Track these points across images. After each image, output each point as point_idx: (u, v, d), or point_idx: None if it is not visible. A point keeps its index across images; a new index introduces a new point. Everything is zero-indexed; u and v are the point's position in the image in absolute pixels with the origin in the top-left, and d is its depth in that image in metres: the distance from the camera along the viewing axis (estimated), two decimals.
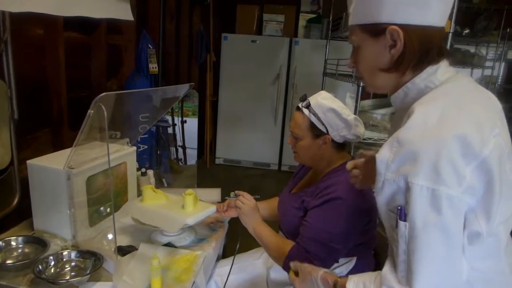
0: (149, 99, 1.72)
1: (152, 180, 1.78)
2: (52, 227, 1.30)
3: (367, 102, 2.82)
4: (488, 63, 3.40)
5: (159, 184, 1.92)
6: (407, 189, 0.68)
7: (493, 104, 0.80)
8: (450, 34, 1.89)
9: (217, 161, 4.66)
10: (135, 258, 1.23)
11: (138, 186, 1.66)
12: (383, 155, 0.72)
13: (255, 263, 1.48)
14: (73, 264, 1.19)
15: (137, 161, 1.62)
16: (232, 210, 1.37)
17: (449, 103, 0.73)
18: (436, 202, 0.66)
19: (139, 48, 2.80)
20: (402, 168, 0.69)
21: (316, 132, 1.23)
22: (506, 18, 2.95)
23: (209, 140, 4.57)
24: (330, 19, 3.52)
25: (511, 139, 0.76)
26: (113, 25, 2.46)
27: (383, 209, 0.76)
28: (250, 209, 1.31)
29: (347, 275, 1.23)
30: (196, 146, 4.07)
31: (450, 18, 1.81)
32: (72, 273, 1.16)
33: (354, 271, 1.24)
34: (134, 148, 1.57)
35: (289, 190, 1.43)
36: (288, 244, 1.22)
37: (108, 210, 1.43)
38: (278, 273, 1.32)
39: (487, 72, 3.14)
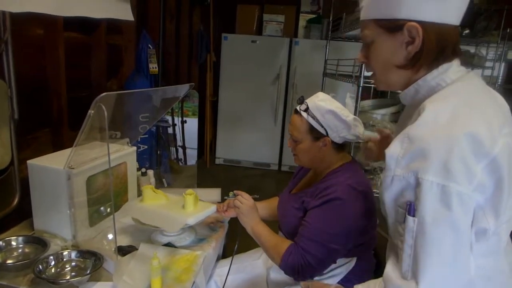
0: (149, 99, 1.72)
1: (152, 180, 1.78)
2: (52, 227, 1.30)
3: (367, 103, 2.82)
4: (488, 63, 3.39)
5: (159, 184, 1.92)
6: (417, 185, 0.68)
7: (502, 104, 0.81)
8: None
9: (217, 161, 4.66)
10: (135, 258, 1.23)
11: (138, 186, 1.66)
12: (393, 151, 0.72)
13: (254, 263, 1.48)
14: (73, 264, 1.19)
15: (137, 161, 1.62)
16: (232, 210, 1.37)
17: (460, 102, 0.73)
18: (446, 198, 0.66)
19: (139, 48, 2.80)
20: (413, 164, 0.69)
21: (316, 134, 1.22)
22: (506, 19, 2.95)
23: (209, 140, 4.57)
24: (330, 19, 3.52)
25: None
26: (113, 25, 2.46)
27: (390, 204, 0.76)
28: (248, 208, 1.31)
29: (347, 275, 1.24)
30: (196, 146, 4.07)
31: None
32: (72, 273, 1.16)
33: (354, 271, 1.24)
34: (134, 148, 1.57)
35: (289, 190, 1.43)
36: (286, 243, 1.22)
37: (108, 210, 1.43)
38: (278, 273, 1.32)
39: (487, 72, 3.14)
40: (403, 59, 0.81)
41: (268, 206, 1.55)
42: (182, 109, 3.90)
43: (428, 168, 0.67)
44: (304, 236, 1.17)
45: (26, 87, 1.64)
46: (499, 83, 3.58)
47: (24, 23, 1.66)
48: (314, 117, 1.20)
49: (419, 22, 0.75)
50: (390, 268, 0.77)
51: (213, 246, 1.38)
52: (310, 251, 1.14)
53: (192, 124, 4.02)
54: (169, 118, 3.61)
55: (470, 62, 2.86)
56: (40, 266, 1.11)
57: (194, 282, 1.16)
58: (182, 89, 1.69)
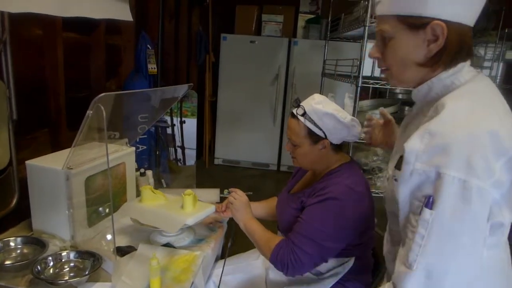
0: (148, 100, 1.72)
1: (151, 180, 1.78)
2: (51, 228, 1.30)
3: (366, 103, 2.83)
4: (486, 63, 3.40)
5: (158, 185, 1.92)
6: (438, 179, 0.70)
7: (507, 105, 0.83)
8: None
9: (216, 162, 4.66)
10: (134, 258, 1.23)
11: (137, 186, 1.66)
12: (413, 146, 0.73)
13: (253, 263, 1.48)
14: (72, 264, 1.19)
15: (136, 161, 1.62)
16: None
17: (478, 101, 0.76)
18: (466, 193, 0.68)
19: (138, 48, 2.80)
20: (434, 159, 0.71)
21: (314, 138, 1.22)
22: (504, 19, 2.96)
23: (208, 140, 4.57)
24: (329, 19, 3.53)
25: None
26: (112, 26, 2.46)
27: (405, 197, 0.77)
28: (241, 204, 1.33)
29: (346, 274, 1.24)
30: (195, 147, 4.06)
31: None
32: (71, 274, 1.16)
33: (352, 270, 1.24)
34: (133, 148, 1.57)
35: (287, 190, 1.43)
36: (277, 239, 1.22)
37: (107, 210, 1.43)
38: (276, 274, 1.32)
39: (486, 72, 3.15)
40: (423, 57, 0.82)
41: (267, 206, 1.55)
42: (181, 110, 3.90)
43: (450, 163, 0.69)
44: (297, 232, 1.17)
45: (25, 88, 1.64)
46: (497, 83, 3.60)
47: (23, 24, 1.66)
48: (311, 121, 1.19)
49: (444, 21, 0.76)
50: (399, 263, 0.78)
51: (212, 247, 1.38)
52: (301, 247, 1.14)
53: (191, 124, 4.01)
54: (168, 118, 3.60)
55: None
56: (39, 267, 1.11)
57: (193, 283, 1.16)
58: (181, 90, 1.69)
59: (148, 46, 2.82)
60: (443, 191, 0.69)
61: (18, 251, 1.24)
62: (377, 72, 4.01)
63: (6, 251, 1.23)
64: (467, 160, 0.68)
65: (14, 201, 1.53)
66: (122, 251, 1.27)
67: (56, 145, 1.89)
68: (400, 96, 3.69)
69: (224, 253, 1.40)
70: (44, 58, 1.85)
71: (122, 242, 1.35)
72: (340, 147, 1.28)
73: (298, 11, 4.59)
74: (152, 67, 2.85)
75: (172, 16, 3.59)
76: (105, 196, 1.40)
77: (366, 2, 2.06)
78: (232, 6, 4.48)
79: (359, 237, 1.20)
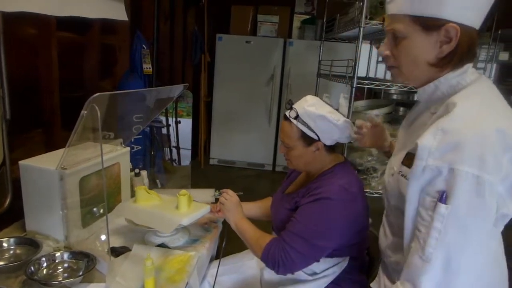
0: (143, 100, 1.72)
1: (146, 180, 1.77)
2: (45, 228, 1.29)
3: (361, 103, 2.84)
4: (480, 64, 3.43)
5: (152, 185, 1.91)
6: (451, 175, 0.73)
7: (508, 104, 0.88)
8: None
9: (211, 162, 4.65)
10: (129, 259, 1.22)
11: (132, 187, 1.65)
12: (426, 142, 0.77)
13: (248, 263, 1.48)
14: (65, 265, 1.18)
15: (130, 161, 1.61)
16: None
17: (485, 101, 0.81)
18: (480, 188, 0.72)
19: (133, 48, 2.79)
20: (446, 155, 0.74)
21: (308, 140, 1.22)
22: (497, 20, 2.99)
23: (203, 140, 4.56)
24: (324, 20, 3.54)
25: None
26: (107, 25, 2.45)
27: (414, 192, 0.80)
28: (232, 204, 1.33)
29: (340, 274, 1.24)
30: (190, 147, 4.07)
31: None
32: (65, 275, 1.15)
33: (347, 270, 1.24)
34: (128, 148, 1.56)
35: (282, 191, 1.43)
36: (268, 237, 1.23)
37: (101, 211, 1.43)
38: (271, 274, 1.32)
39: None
40: (434, 57, 0.85)
41: (261, 206, 1.56)
42: (176, 110, 3.89)
43: (463, 159, 0.72)
44: (288, 230, 1.18)
45: (19, 87, 1.63)
46: None
47: (17, 23, 1.65)
48: (304, 124, 1.19)
49: (458, 24, 0.80)
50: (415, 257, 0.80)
51: (207, 247, 1.38)
52: (292, 245, 1.15)
53: (186, 124, 4.02)
54: (163, 118, 3.60)
55: None
56: (32, 268, 1.10)
57: (187, 283, 1.16)
58: (176, 90, 1.69)
59: (143, 46, 2.82)
60: (458, 186, 0.72)
61: (11, 252, 1.23)
62: (372, 73, 4.03)
63: None
64: (479, 156, 0.72)
65: (7, 201, 1.52)
66: (116, 252, 1.27)
67: (50, 145, 1.88)
68: (394, 97, 3.71)
69: (219, 254, 1.40)
70: (38, 57, 1.84)
71: (117, 242, 1.35)
72: (333, 148, 1.28)
73: (294, 11, 4.59)
74: (147, 67, 2.84)
75: (167, 16, 3.59)
76: (99, 197, 1.39)
77: (361, 3, 2.07)
78: (228, 6, 4.47)
79: (353, 237, 1.20)
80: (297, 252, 1.14)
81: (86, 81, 2.32)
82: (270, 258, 1.17)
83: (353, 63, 2.17)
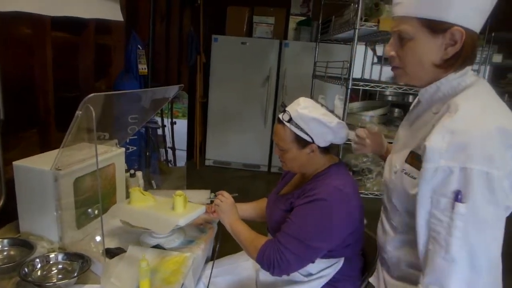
0: (138, 100, 1.71)
1: (141, 181, 1.77)
2: (39, 229, 1.28)
3: (356, 104, 2.85)
4: (474, 66, 3.45)
5: (148, 186, 1.91)
6: (464, 174, 0.77)
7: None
8: None
9: (207, 163, 4.65)
10: (124, 260, 1.22)
11: (127, 187, 1.64)
12: (435, 144, 0.80)
13: (243, 264, 1.48)
14: (60, 266, 1.17)
15: (126, 162, 1.60)
16: None
17: (485, 101, 0.86)
18: (491, 183, 0.76)
19: (128, 48, 2.78)
20: (457, 155, 0.77)
21: (302, 143, 1.22)
22: (491, 23, 3.01)
23: (199, 141, 4.56)
24: (320, 21, 3.55)
25: None
26: (102, 25, 2.44)
27: (425, 194, 0.82)
28: (227, 206, 1.33)
29: (335, 275, 1.25)
30: (185, 148, 4.05)
31: None
32: (59, 276, 1.15)
33: (342, 271, 1.25)
34: (123, 149, 1.56)
35: (277, 192, 1.44)
36: (263, 239, 1.23)
37: (96, 212, 1.42)
38: (267, 275, 1.32)
39: None
40: (439, 59, 0.88)
41: (257, 207, 1.56)
42: (172, 110, 3.88)
43: (473, 158, 0.76)
44: (284, 232, 1.18)
45: (13, 87, 1.62)
46: None
47: (11, 22, 1.64)
48: (298, 127, 1.19)
49: (463, 27, 0.83)
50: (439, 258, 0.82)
51: (202, 248, 1.38)
52: (288, 247, 1.15)
53: (181, 125, 4.00)
54: (158, 119, 3.59)
55: None
56: (26, 269, 1.10)
57: (183, 284, 1.16)
58: (172, 90, 1.69)
59: (139, 46, 2.81)
60: (473, 185, 0.76)
61: (5, 253, 1.22)
62: (367, 74, 4.05)
63: None
64: (487, 154, 0.76)
65: (1, 202, 1.51)
66: (111, 253, 1.26)
67: (45, 145, 1.87)
68: (389, 98, 3.73)
69: (213, 255, 1.40)
70: (33, 57, 1.83)
71: (112, 243, 1.34)
72: (328, 149, 1.28)
73: (289, 13, 4.61)
74: (143, 68, 2.84)
75: (163, 17, 3.58)
76: (94, 198, 1.39)
77: (356, 5, 2.08)
78: (223, 7, 4.47)
79: (348, 237, 1.21)
80: (292, 254, 1.14)
81: (81, 81, 2.31)
82: (266, 260, 1.17)
83: (348, 64, 2.18)
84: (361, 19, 2.09)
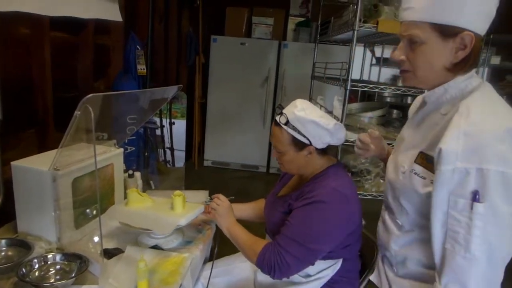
0: (137, 101, 1.71)
1: (140, 182, 1.76)
2: (37, 230, 1.28)
3: (355, 106, 2.85)
4: None
5: (146, 186, 1.91)
6: (480, 174, 0.80)
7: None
8: None
9: (206, 163, 4.64)
10: (122, 260, 1.21)
11: (125, 188, 1.64)
12: (451, 146, 0.83)
13: (242, 265, 1.47)
14: (58, 267, 1.17)
15: (124, 162, 1.60)
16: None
17: (493, 103, 0.89)
18: (507, 182, 0.79)
19: (127, 49, 2.78)
20: (473, 157, 0.80)
21: (299, 145, 1.21)
22: (489, 25, 3.02)
23: (197, 142, 4.56)
24: (319, 23, 3.56)
25: None
26: (100, 25, 2.44)
27: (442, 196, 0.85)
28: (224, 209, 1.33)
29: (333, 276, 1.25)
30: (184, 148, 4.05)
31: None
32: (57, 276, 1.14)
33: (340, 272, 1.25)
34: (121, 149, 1.56)
35: (275, 193, 1.43)
36: (262, 242, 1.22)
37: (94, 212, 1.42)
38: (265, 276, 1.32)
39: None
40: (449, 63, 0.91)
41: (255, 207, 1.56)
42: (171, 111, 3.88)
43: (488, 159, 0.79)
44: (283, 234, 1.18)
45: (11, 87, 1.62)
46: None
47: (10, 22, 1.64)
48: (295, 129, 1.18)
49: (473, 32, 0.86)
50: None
51: (201, 249, 1.38)
52: (288, 250, 1.15)
53: (180, 125, 4.00)
54: (157, 119, 3.58)
55: None
56: (24, 269, 1.09)
57: (181, 285, 1.16)
58: (171, 91, 1.68)
59: (138, 46, 2.81)
60: (490, 185, 0.79)
61: (3, 253, 1.22)
62: (365, 76, 4.05)
63: None
64: (502, 154, 0.79)
65: None
66: (109, 253, 1.26)
67: (43, 145, 1.87)
68: (388, 99, 3.73)
69: (212, 256, 1.40)
70: (31, 57, 1.83)
71: (110, 244, 1.34)
72: (325, 151, 1.28)
73: (288, 14, 4.61)
74: (141, 68, 2.84)
75: (162, 17, 3.58)
76: (92, 198, 1.38)
77: (355, 7, 2.08)
78: (223, 7, 4.48)
79: (346, 239, 1.21)
80: (293, 256, 1.14)
81: (79, 81, 2.31)
82: (266, 263, 1.17)
83: (347, 65, 2.18)
84: (360, 20, 2.09)
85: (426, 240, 0.96)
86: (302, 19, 4.55)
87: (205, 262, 1.50)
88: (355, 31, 2.10)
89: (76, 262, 1.16)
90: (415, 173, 0.96)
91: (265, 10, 4.43)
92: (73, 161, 1.29)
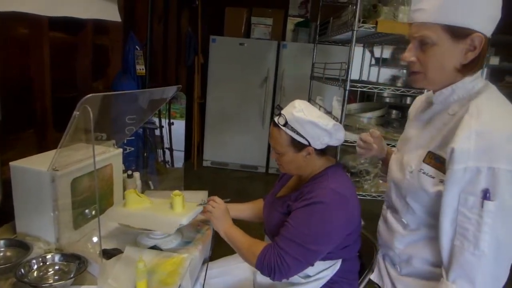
0: (136, 101, 1.71)
1: (139, 182, 1.76)
2: (35, 230, 1.28)
3: (354, 106, 2.85)
4: None
5: (145, 187, 1.90)
6: (491, 173, 0.82)
7: None
8: None
9: (205, 164, 4.64)
10: (121, 261, 1.21)
11: (124, 188, 1.64)
12: (463, 146, 0.85)
13: (241, 266, 1.47)
14: (56, 267, 1.17)
15: (123, 163, 1.60)
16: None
17: (501, 104, 0.92)
18: None
19: (126, 49, 2.78)
20: (484, 156, 0.82)
21: (298, 146, 1.21)
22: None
23: (196, 142, 4.55)
24: (318, 23, 3.56)
25: None
26: (99, 26, 2.43)
27: (453, 195, 0.87)
28: (220, 212, 1.32)
29: (333, 277, 1.25)
30: (183, 149, 4.06)
31: None
32: (56, 277, 1.14)
33: (339, 273, 1.25)
34: (120, 150, 1.55)
35: (274, 194, 1.43)
36: (261, 244, 1.22)
37: (93, 212, 1.42)
38: (264, 277, 1.32)
39: None
40: (459, 64, 0.93)
41: (254, 207, 1.55)
42: (170, 111, 3.88)
43: (499, 158, 0.81)
44: (283, 236, 1.17)
45: (10, 87, 1.61)
46: None
47: (8, 23, 1.64)
48: (294, 130, 1.18)
49: (482, 34, 0.88)
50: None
51: (200, 249, 1.37)
52: (288, 251, 1.14)
53: (179, 126, 4.01)
54: (156, 120, 3.59)
55: None
56: (22, 270, 1.09)
57: (180, 285, 1.15)
58: (170, 91, 1.68)
59: (137, 47, 2.81)
60: (500, 183, 0.81)
61: (1, 254, 1.22)
62: (365, 76, 4.06)
63: None
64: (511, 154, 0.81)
65: None
66: (108, 254, 1.26)
67: (42, 146, 1.87)
68: (387, 100, 3.74)
69: (217, 257, 1.40)
70: (30, 57, 1.82)
71: (108, 244, 1.34)
72: (324, 151, 1.28)
73: (287, 14, 4.62)
74: (141, 68, 2.83)
75: (161, 18, 3.58)
76: (91, 198, 1.38)
77: (354, 7, 2.08)
78: (222, 8, 4.48)
79: (346, 239, 1.21)
80: (293, 258, 1.14)
81: (78, 81, 2.30)
82: (266, 265, 1.16)
83: (346, 66, 2.18)
84: (359, 20, 2.09)
85: (432, 238, 0.98)
86: (301, 19, 4.55)
87: (204, 262, 1.50)
88: (354, 32, 2.10)
89: (75, 262, 1.16)
90: (423, 173, 0.97)
91: (264, 10, 4.44)
92: (72, 162, 1.29)
